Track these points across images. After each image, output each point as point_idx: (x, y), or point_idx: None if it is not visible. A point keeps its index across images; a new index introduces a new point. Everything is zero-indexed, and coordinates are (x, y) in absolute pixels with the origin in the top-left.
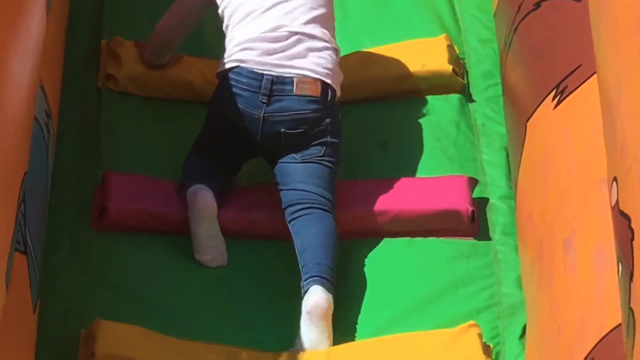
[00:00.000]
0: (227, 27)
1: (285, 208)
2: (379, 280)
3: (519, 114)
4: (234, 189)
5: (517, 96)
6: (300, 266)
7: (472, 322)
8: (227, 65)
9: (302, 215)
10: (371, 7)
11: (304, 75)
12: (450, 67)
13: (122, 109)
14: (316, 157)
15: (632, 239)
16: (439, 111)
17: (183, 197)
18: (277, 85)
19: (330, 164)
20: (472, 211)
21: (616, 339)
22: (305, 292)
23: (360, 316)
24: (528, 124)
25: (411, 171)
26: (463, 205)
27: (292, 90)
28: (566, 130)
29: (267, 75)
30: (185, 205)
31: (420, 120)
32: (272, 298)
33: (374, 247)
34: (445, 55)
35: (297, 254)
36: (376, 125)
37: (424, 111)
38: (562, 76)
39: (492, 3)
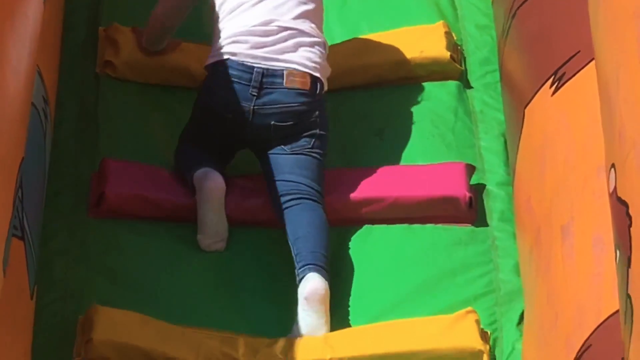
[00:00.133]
0: (216, 17)
1: (276, 200)
2: (377, 267)
3: (516, 100)
4: (231, 178)
5: (515, 83)
6: (293, 255)
7: (469, 308)
8: (217, 58)
9: (292, 206)
10: None
11: (294, 69)
12: (448, 53)
13: (120, 95)
14: (305, 149)
15: (630, 225)
16: (436, 98)
17: (183, 183)
18: (267, 78)
19: (318, 156)
20: (470, 198)
21: (614, 325)
22: (301, 279)
23: (358, 303)
24: (526, 110)
25: (409, 158)
26: (461, 191)
27: (282, 83)
28: (564, 116)
29: (258, 68)
30: (184, 192)
31: (417, 107)
32: (269, 285)
33: (372, 234)
34: (443, 41)
35: (290, 243)
36: (373, 112)
37: (422, 98)
38: (560, 63)
39: None
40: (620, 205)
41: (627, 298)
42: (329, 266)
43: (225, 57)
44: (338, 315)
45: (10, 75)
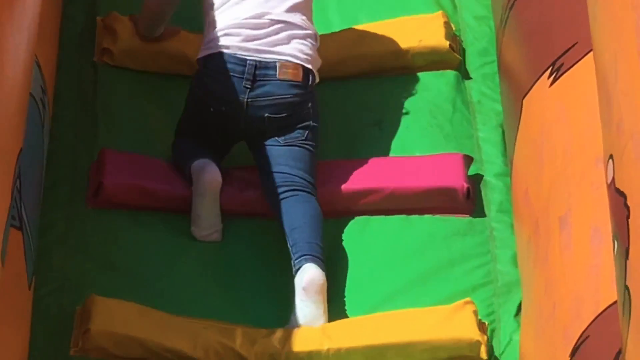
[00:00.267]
0: (207, 10)
1: (270, 191)
2: (375, 258)
3: (515, 91)
4: (228, 169)
5: (513, 73)
6: (289, 245)
7: (467, 299)
8: (210, 51)
9: (287, 197)
10: None
11: (286, 61)
12: (447, 42)
13: (119, 83)
14: (299, 140)
15: (628, 216)
16: (434, 88)
17: (181, 175)
18: (260, 70)
19: (311, 148)
20: (468, 188)
21: (611, 316)
22: (298, 270)
23: (355, 294)
24: (524, 101)
25: (407, 148)
26: (458, 182)
27: (275, 75)
28: (562, 107)
29: (250, 60)
30: (182, 183)
31: (416, 98)
32: (267, 276)
33: (370, 225)
34: (442, 31)
35: (286, 234)
36: (372, 102)
37: (420, 88)
38: (559, 53)
39: None
40: (618, 196)
41: (625, 289)
42: (324, 257)
43: (218, 50)
44: (336, 306)
45: (9, 65)
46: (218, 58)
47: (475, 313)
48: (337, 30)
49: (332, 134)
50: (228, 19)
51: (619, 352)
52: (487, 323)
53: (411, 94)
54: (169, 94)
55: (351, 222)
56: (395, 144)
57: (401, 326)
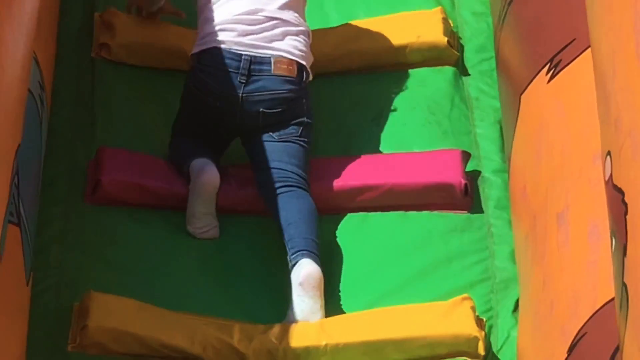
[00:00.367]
0: (202, 6)
1: (264, 187)
2: (373, 254)
3: (512, 87)
4: (225, 167)
5: (511, 70)
6: (285, 240)
7: (465, 295)
8: (205, 46)
9: (283, 193)
10: None
11: (281, 56)
12: (445, 39)
13: (116, 79)
14: (293, 136)
15: (626, 213)
16: (433, 84)
17: (179, 172)
18: (255, 65)
19: (305, 144)
20: (465, 185)
21: (609, 313)
22: (294, 265)
23: (353, 290)
24: (522, 97)
25: (405, 144)
26: (456, 178)
27: (270, 70)
28: (560, 104)
29: (246, 55)
30: (180, 181)
31: (414, 93)
32: (264, 272)
33: (368, 221)
34: (440, 27)
35: (282, 229)
36: (370, 98)
37: (418, 84)
38: (556, 50)
39: None
40: (616, 193)
41: (623, 286)
42: (320, 253)
43: (213, 45)
44: (333, 302)
45: (7, 61)
46: (213, 53)
47: (473, 309)
48: (334, 25)
49: (330, 130)
50: (223, 15)
51: (617, 349)
52: (484, 319)
53: (409, 90)
54: (167, 91)
55: (349, 219)
56: (393, 140)
57: (399, 322)
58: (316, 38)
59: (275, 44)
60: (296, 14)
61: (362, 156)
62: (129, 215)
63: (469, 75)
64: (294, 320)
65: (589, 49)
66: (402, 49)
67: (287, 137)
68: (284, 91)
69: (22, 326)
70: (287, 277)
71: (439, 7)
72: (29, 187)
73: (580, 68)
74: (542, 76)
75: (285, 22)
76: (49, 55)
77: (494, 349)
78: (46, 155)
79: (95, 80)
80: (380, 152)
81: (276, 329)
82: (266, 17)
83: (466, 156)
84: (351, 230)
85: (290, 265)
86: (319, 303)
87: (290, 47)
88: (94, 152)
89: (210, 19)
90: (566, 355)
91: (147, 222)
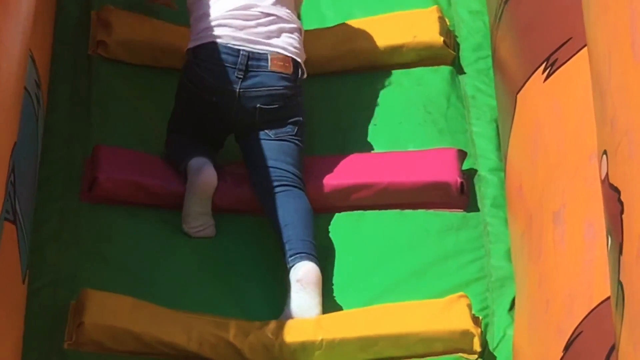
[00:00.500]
0: (193, 3)
1: (260, 185)
2: (369, 253)
3: (509, 86)
4: (222, 165)
5: (507, 68)
6: (282, 242)
7: (461, 293)
8: (201, 41)
9: (279, 192)
10: None
11: (278, 53)
12: (442, 38)
13: (113, 77)
14: (289, 135)
15: (622, 212)
16: (429, 83)
17: (175, 170)
18: (252, 61)
19: (300, 143)
20: (461, 183)
21: (605, 312)
22: (292, 267)
23: (349, 288)
24: (518, 96)
25: (401, 143)
26: (452, 177)
27: (267, 66)
28: (556, 103)
29: (243, 50)
30: (176, 179)
31: (410, 92)
32: (261, 270)
33: (364, 219)
34: (436, 26)
35: (279, 229)
36: (365, 96)
37: (415, 83)
38: (553, 49)
39: None
40: (612, 192)
41: (619, 285)
42: (317, 254)
43: (210, 39)
44: (330, 300)
45: (3, 59)
46: (210, 48)
47: (469, 307)
48: (331, 24)
49: (326, 129)
50: (217, 10)
51: (612, 348)
52: (481, 317)
53: (405, 89)
54: (164, 89)
55: (345, 217)
56: (389, 138)
57: (395, 318)
58: (313, 38)
59: (272, 40)
60: (289, 11)
61: (359, 155)
62: (125, 213)
63: (465, 73)
64: (291, 316)
65: (585, 48)
66: (398, 48)
67: (283, 136)
68: (281, 87)
69: (18, 324)
70: (283, 274)
71: (435, 6)
72: (25, 185)
73: (577, 67)
74: (539, 75)
75: (280, 19)
76: (45, 53)
77: (490, 348)
78: (42, 153)
79: (92, 78)
80: (376, 150)
81: (272, 324)
82: (261, 12)
83: (462, 155)
84: (347, 229)
85: (288, 266)
86: (317, 299)
87: (286, 43)
88: (90, 150)
89: (205, 15)
90: (562, 353)
91: (144, 220)
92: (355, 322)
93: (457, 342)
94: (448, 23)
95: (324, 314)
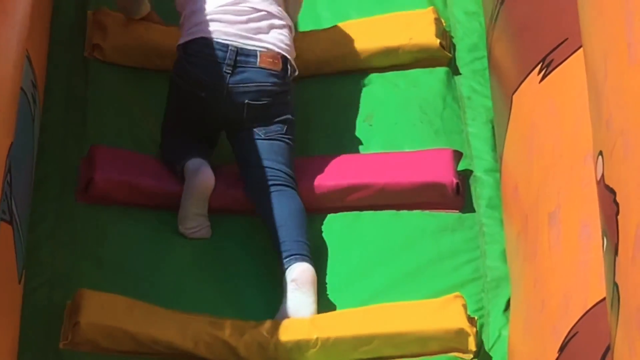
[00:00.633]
0: (183, 2)
1: (252, 185)
2: (365, 253)
3: (504, 87)
4: (217, 166)
5: (503, 69)
6: (277, 242)
7: (457, 293)
8: (191, 37)
9: (272, 192)
10: None
11: (268, 49)
12: (438, 40)
13: (109, 78)
14: (279, 134)
15: (617, 213)
16: (425, 84)
17: (171, 171)
18: (241, 57)
19: (291, 142)
20: (457, 184)
21: (600, 312)
22: (287, 269)
23: (345, 289)
24: (514, 97)
25: (397, 144)
26: (448, 178)
27: (256, 62)
28: (552, 103)
29: (232, 46)
30: (172, 180)
31: (406, 93)
32: (256, 271)
33: (360, 220)
34: (432, 28)
35: (274, 230)
36: (362, 97)
37: (410, 84)
38: (549, 50)
39: None
40: (607, 193)
41: (614, 286)
42: (311, 254)
43: (199, 35)
44: (325, 301)
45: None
46: (200, 43)
47: (465, 307)
48: (326, 25)
49: (323, 130)
50: (208, 6)
51: (607, 349)
52: (476, 318)
53: (401, 90)
54: (159, 90)
55: (341, 217)
56: (385, 139)
57: (390, 317)
58: (309, 39)
59: (262, 36)
60: (279, 8)
61: (354, 155)
62: (121, 213)
63: (461, 74)
64: (286, 315)
65: (581, 49)
66: (394, 50)
67: (273, 135)
68: (269, 84)
69: (14, 324)
70: (278, 275)
71: (431, 7)
72: (21, 185)
73: (572, 68)
74: (534, 76)
75: (271, 15)
76: (41, 53)
77: (485, 348)
78: (38, 153)
79: (88, 78)
80: (372, 151)
81: (267, 323)
82: (252, 8)
83: (458, 155)
84: (343, 229)
85: (283, 267)
86: (312, 298)
87: (276, 40)
88: (86, 151)
89: (196, 11)
90: (557, 354)
91: (139, 220)
92: (351, 321)
93: (452, 341)
94: (444, 24)
95: (319, 314)
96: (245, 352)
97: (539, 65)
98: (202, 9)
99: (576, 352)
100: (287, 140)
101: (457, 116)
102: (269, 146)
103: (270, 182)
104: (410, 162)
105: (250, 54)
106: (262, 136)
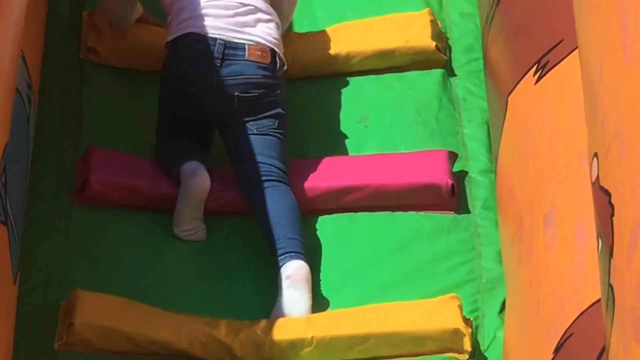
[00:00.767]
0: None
1: (246, 181)
2: (360, 254)
3: (500, 88)
4: (212, 168)
5: (498, 71)
6: (272, 240)
7: (453, 294)
8: (179, 33)
9: (266, 188)
10: None
11: (256, 42)
12: (434, 43)
13: (104, 79)
14: (271, 129)
15: (612, 214)
16: (421, 86)
17: (167, 174)
18: (229, 50)
19: (282, 136)
20: (452, 185)
21: (595, 314)
22: (282, 266)
23: (341, 290)
24: (509, 98)
25: (392, 145)
26: (443, 179)
27: (244, 55)
28: (547, 105)
29: (220, 39)
30: (168, 182)
31: (401, 95)
32: (251, 272)
33: (355, 221)
34: (428, 30)
35: (268, 227)
36: (357, 99)
37: (406, 86)
38: (544, 51)
39: None
40: (602, 195)
41: (609, 287)
42: (306, 252)
43: (187, 31)
44: (321, 301)
45: None
46: (188, 38)
47: (460, 307)
48: (322, 25)
49: (318, 131)
50: (195, 2)
51: (603, 350)
52: (471, 319)
53: (397, 92)
54: (155, 92)
55: (336, 219)
56: (380, 141)
57: (386, 317)
58: (305, 42)
59: (249, 30)
60: (266, 4)
61: (349, 157)
62: (116, 214)
63: (457, 75)
64: (282, 312)
65: (577, 51)
66: (390, 53)
67: (265, 130)
68: (259, 77)
69: (8, 325)
70: (274, 275)
71: (427, 9)
72: (17, 186)
73: (568, 69)
74: (530, 77)
75: (258, 9)
76: (36, 54)
77: (481, 350)
78: (33, 154)
79: (83, 79)
80: (367, 152)
81: (263, 323)
82: (239, 2)
83: (453, 157)
84: (338, 231)
85: (278, 265)
86: (306, 295)
87: (263, 33)
88: (81, 152)
89: (183, 8)
90: (552, 355)
91: (134, 221)
92: (346, 320)
93: (448, 341)
94: (440, 25)
95: (314, 313)
96: (240, 352)
97: (535, 67)
98: (189, 6)
99: (571, 353)
100: (279, 135)
101: (452, 117)
102: (262, 141)
103: (263, 178)
104: (405, 164)
105: (238, 47)
106: (255, 131)
